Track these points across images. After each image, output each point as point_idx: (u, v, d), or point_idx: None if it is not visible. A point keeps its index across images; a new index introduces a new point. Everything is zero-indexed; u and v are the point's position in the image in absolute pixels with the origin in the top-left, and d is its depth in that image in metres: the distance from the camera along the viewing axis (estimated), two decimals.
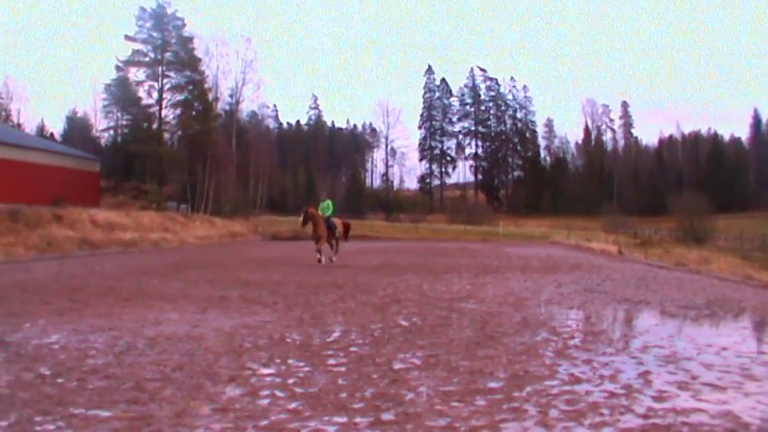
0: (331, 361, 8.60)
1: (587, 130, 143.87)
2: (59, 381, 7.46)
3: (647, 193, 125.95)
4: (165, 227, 50.00)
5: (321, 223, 26.94)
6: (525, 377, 7.83)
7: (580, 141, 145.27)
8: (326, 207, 27.95)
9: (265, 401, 6.75)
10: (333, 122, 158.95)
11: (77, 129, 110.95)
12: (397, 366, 8.33)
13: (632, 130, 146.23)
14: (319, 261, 26.68)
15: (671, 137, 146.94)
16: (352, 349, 9.38)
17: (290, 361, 8.56)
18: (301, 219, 27.16)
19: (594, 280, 21.66)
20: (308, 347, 9.48)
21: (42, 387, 7.19)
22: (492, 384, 7.48)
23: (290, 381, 7.54)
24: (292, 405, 6.62)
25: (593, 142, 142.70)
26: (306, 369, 8.11)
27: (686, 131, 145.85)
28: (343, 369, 8.14)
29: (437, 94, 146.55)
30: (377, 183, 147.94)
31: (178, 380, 7.51)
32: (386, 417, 6.28)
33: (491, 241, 67.80)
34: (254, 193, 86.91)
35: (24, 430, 5.84)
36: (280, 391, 7.13)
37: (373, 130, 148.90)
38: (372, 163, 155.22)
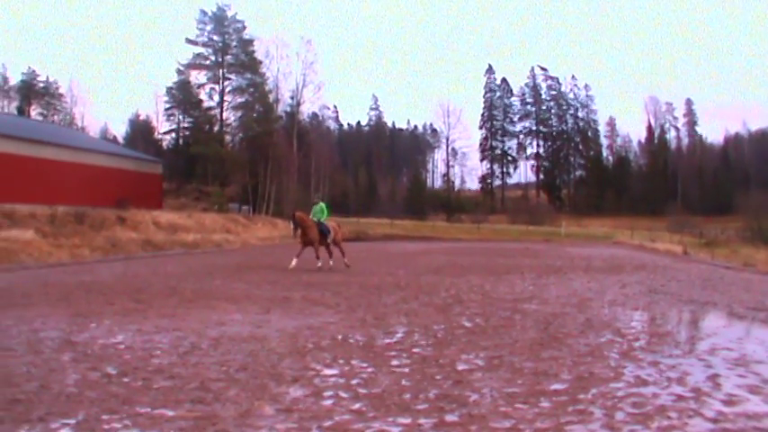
0: (394, 362, 8.58)
1: (650, 129, 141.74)
2: (125, 380, 7.54)
3: (713, 193, 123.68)
4: (227, 228, 50.43)
5: (312, 228, 25.21)
6: (590, 379, 7.73)
7: (643, 140, 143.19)
8: (320, 210, 26.02)
9: (329, 402, 6.74)
10: (393, 123, 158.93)
11: (140, 131, 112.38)
12: (460, 367, 8.28)
13: (697, 128, 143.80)
14: (318, 268, 24.57)
15: (737, 134, 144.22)
16: (416, 350, 9.35)
17: (353, 362, 8.55)
18: (291, 225, 25.65)
19: (659, 281, 21.35)
20: (371, 348, 9.48)
21: (109, 386, 7.27)
22: (556, 386, 7.40)
23: (354, 381, 7.54)
24: (356, 406, 6.61)
25: (656, 141, 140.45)
26: (369, 370, 8.10)
27: (753, 129, 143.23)
28: (406, 370, 8.11)
29: (498, 94, 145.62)
30: (438, 183, 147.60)
31: (242, 380, 7.55)
32: (450, 418, 6.24)
33: (553, 242, 67.27)
34: (315, 194, 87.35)
35: (92, 428, 5.91)
36: (343, 391, 7.12)
37: (434, 130, 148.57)
38: (433, 163, 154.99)
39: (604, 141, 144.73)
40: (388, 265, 27.09)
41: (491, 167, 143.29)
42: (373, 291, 17.22)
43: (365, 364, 8.40)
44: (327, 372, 8.02)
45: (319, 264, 24.78)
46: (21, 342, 9.72)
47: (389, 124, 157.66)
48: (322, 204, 26.36)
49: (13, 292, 16.28)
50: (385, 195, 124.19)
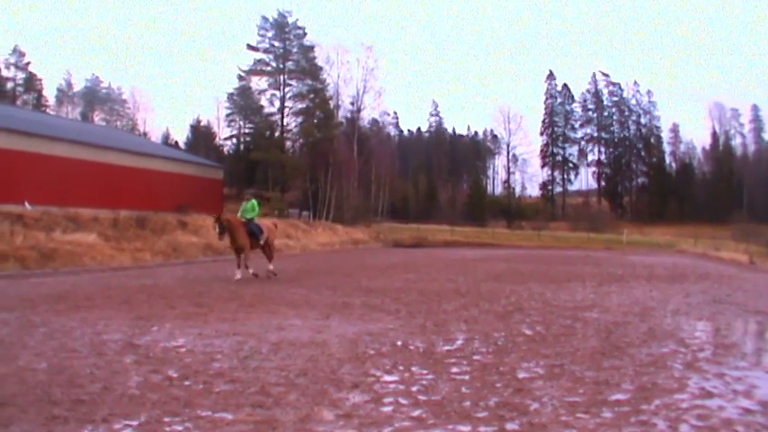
0: (454, 369, 8.54)
1: (715, 135, 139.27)
2: (186, 383, 7.63)
3: None
4: (287, 233, 50.63)
5: (240, 230, 22.31)
6: (653, 389, 7.60)
7: (707, 147, 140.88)
8: (250, 208, 23.15)
9: (389, 408, 6.74)
10: (453, 129, 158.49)
11: (201, 137, 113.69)
12: (521, 375, 8.22)
13: (763, 135, 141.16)
14: (253, 274, 22.20)
15: None
16: (476, 357, 9.31)
17: (413, 368, 8.54)
18: (217, 230, 22.11)
19: (724, 290, 20.96)
20: (431, 355, 9.44)
21: (170, 389, 7.35)
22: (618, 396, 7.30)
23: (414, 388, 7.52)
24: (416, 413, 6.60)
25: (720, 147, 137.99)
26: (429, 377, 8.07)
27: None
28: (466, 377, 8.08)
29: (559, 100, 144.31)
30: (498, 190, 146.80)
31: (302, 385, 7.57)
32: (510, 426, 6.20)
33: (614, 249, 66.47)
34: (376, 200, 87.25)
35: (153, 430, 5.99)
36: (403, 398, 7.11)
37: (494, 136, 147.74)
38: (494, 170, 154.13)
39: (667, 148, 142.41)
40: (448, 272, 27.00)
41: (552, 174, 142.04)
42: (433, 297, 17.16)
43: (425, 371, 8.38)
44: (387, 378, 8.02)
45: (251, 271, 22.26)
46: (84, 344, 9.88)
47: (449, 130, 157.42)
48: (253, 201, 23.51)
49: (77, 295, 16.53)
50: (445, 202, 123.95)
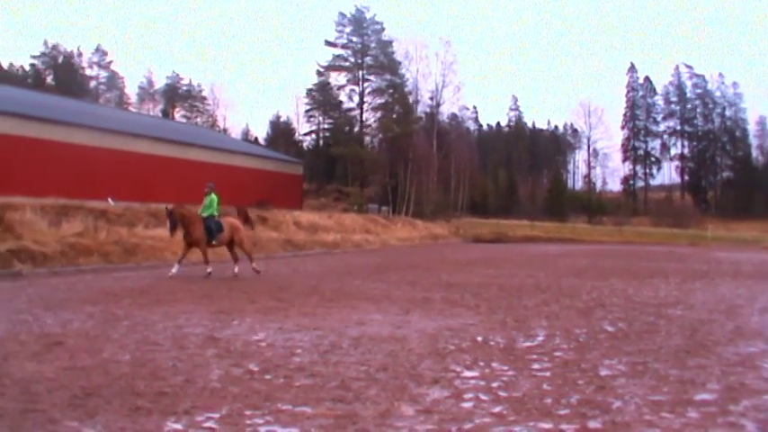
0: (535, 365, 8.46)
1: None
2: (267, 377, 7.68)
3: None
4: (366, 228, 50.80)
5: (197, 224, 20.83)
6: (741, 390, 7.41)
7: None
8: (208, 205, 21.53)
9: (469, 404, 6.70)
10: (533, 123, 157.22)
11: (281, 133, 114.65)
12: (603, 373, 8.09)
13: None
14: (209, 274, 20.58)
15: None
16: (557, 354, 9.21)
17: (493, 364, 8.48)
18: (168, 224, 20.82)
19: None
20: (512, 351, 9.38)
21: (251, 382, 7.42)
22: (704, 396, 7.14)
23: (494, 384, 7.47)
24: (497, 409, 6.54)
25: None
26: (510, 373, 8.01)
27: None
28: (547, 374, 7.99)
29: (641, 93, 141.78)
30: (579, 184, 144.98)
31: (382, 380, 7.57)
32: (593, 425, 6.10)
33: (699, 245, 65.22)
34: (455, 195, 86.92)
35: (235, 423, 6.04)
36: (484, 394, 7.06)
37: (575, 130, 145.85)
38: (574, 164, 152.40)
39: (754, 141, 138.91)
40: (529, 268, 26.81)
41: (633, 168, 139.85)
42: (514, 293, 17.06)
43: (506, 367, 8.32)
44: (467, 374, 7.97)
45: (209, 270, 20.74)
46: (166, 337, 10.04)
47: (529, 124, 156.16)
48: (213, 196, 21.67)
49: (159, 289, 16.83)
50: (525, 196, 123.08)
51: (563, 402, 6.77)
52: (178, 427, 5.92)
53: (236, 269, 21.36)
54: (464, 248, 46.90)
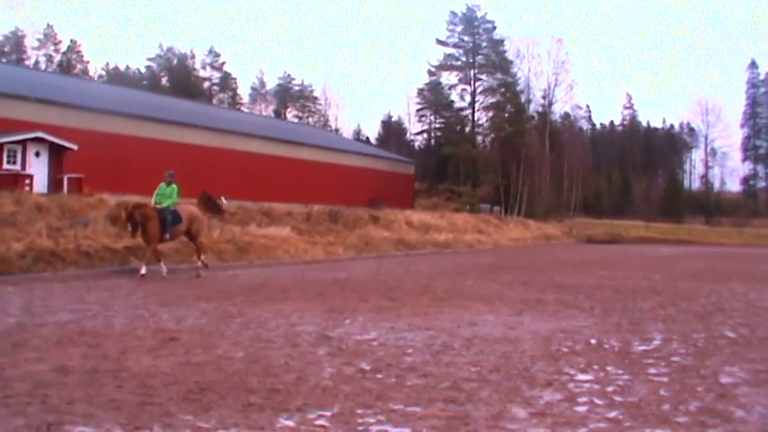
0: (651, 370, 8.26)
1: None
2: (379, 376, 7.71)
3: None
4: (478, 228, 50.55)
5: (153, 220, 19.23)
6: None
7: None
8: (169, 194, 19.94)
9: (583, 408, 6.58)
10: (648, 122, 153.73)
11: (392, 132, 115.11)
12: (723, 380, 7.83)
13: None
14: (143, 276, 18.66)
15: None
16: (674, 359, 8.96)
17: (608, 368, 8.31)
18: (129, 227, 19.25)
19: None
20: (627, 355, 9.18)
21: (363, 381, 7.45)
22: None
23: (609, 388, 7.32)
24: (612, 414, 6.41)
25: None
26: (625, 377, 7.84)
27: None
28: (664, 379, 7.78)
29: (762, 90, 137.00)
30: (696, 185, 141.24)
31: (495, 381, 7.51)
32: None
33: None
34: (568, 195, 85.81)
35: (347, 421, 6.07)
36: (598, 398, 6.93)
37: (691, 129, 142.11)
38: (691, 164, 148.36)
39: None
40: (644, 269, 26.24)
41: (754, 168, 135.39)
42: (628, 295, 16.72)
43: (621, 371, 8.15)
44: (581, 377, 7.84)
45: (164, 269, 19.47)
46: (279, 335, 10.17)
47: (644, 123, 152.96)
48: (174, 186, 20.09)
49: (272, 287, 17.07)
50: (639, 197, 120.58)
51: (681, 409, 6.58)
52: (290, 423, 5.98)
53: (203, 257, 20.51)
54: (577, 249, 46.26)
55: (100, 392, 6.78)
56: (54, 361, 8.13)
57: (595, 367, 8.34)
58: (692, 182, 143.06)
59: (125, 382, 7.17)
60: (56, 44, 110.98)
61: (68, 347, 8.98)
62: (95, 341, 9.41)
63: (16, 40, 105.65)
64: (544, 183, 78.95)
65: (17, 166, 31.11)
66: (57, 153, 32.38)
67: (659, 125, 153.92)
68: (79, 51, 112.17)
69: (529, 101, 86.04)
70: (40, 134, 31.79)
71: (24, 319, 11.27)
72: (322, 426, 5.93)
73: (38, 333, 9.94)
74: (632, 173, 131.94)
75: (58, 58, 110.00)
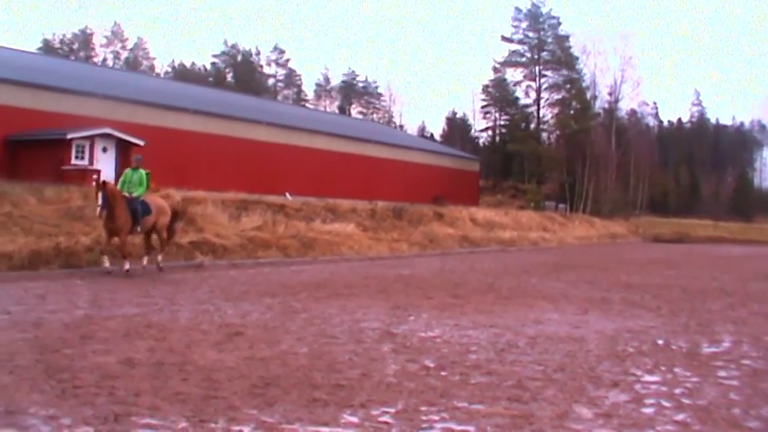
0: (721, 373, 8.10)
1: None
2: (443, 373, 7.68)
3: None
4: (543, 226, 50.20)
5: (121, 207, 17.02)
6: None
7: None
8: (138, 181, 17.90)
9: (650, 410, 6.49)
10: (717, 119, 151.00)
11: (457, 129, 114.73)
12: None
13: None
14: (109, 272, 16.97)
15: None
16: (745, 362, 8.79)
17: (676, 369, 8.18)
18: (99, 202, 16.71)
19: None
20: (695, 356, 9.03)
21: (427, 378, 7.42)
22: None
23: (677, 390, 7.20)
24: (679, 416, 6.31)
25: None
26: (693, 379, 7.71)
27: None
28: (735, 383, 7.64)
29: None
30: (767, 183, 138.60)
31: (560, 381, 7.44)
32: None
33: None
34: (634, 193, 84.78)
35: (410, 418, 6.05)
36: (666, 400, 6.83)
37: (762, 126, 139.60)
38: (761, 162, 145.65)
39: None
40: (712, 269, 25.82)
41: None
42: (697, 295, 16.45)
43: (689, 373, 8.01)
44: (648, 378, 7.73)
45: (126, 266, 17.19)
46: (343, 331, 10.19)
47: (712, 120, 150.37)
48: (141, 172, 18.06)
49: (336, 283, 17.12)
50: (708, 195, 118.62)
51: (752, 414, 6.45)
52: (354, 419, 5.98)
53: (144, 261, 18.27)
54: (643, 248, 45.66)
55: (166, 385, 6.86)
56: (121, 353, 8.24)
57: (663, 368, 8.22)
58: (763, 180, 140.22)
59: (190, 376, 7.24)
60: (123, 42, 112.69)
61: (135, 340, 9.10)
62: (161, 334, 9.52)
63: (85, 38, 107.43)
64: (610, 180, 78.01)
65: (85, 162, 31.62)
66: (123, 148, 32.83)
67: (729, 122, 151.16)
68: (145, 48, 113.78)
69: (594, 97, 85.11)
70: (108, 130, 32.26)
71: (92, 311, 11.45)
72: (385, 422, 5.93)
73: (105, 326, 10.09)
74: (700, 171, 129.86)
75: (124, 55, 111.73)
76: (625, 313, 12.93)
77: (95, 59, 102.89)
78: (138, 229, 17.76)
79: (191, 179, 32.96)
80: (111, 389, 6.66)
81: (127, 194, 17.46)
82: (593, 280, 19.89)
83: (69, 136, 30.72)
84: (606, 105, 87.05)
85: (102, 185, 16.88)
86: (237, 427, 5.67)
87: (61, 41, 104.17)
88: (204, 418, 5.87)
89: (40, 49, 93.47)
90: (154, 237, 18.76)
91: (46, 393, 6.50)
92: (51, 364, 7.64)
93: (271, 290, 15.25)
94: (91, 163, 31.73)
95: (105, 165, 31.95)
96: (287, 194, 37.94)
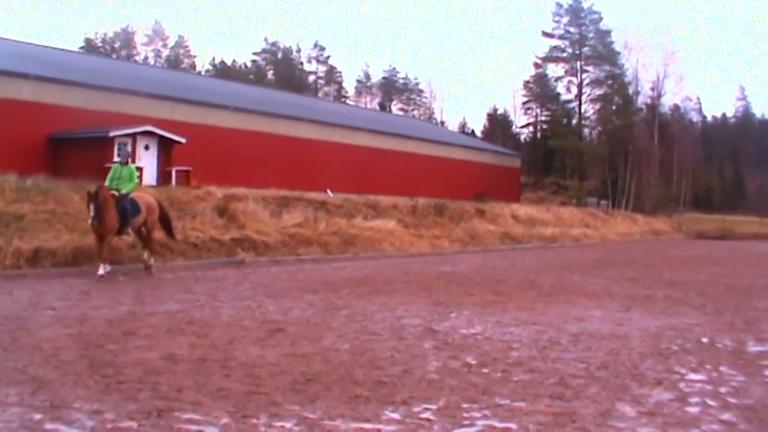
0: None
1: None
2: (484, 370, 7.66)
3: None
4: (585, 223, 49.90)
5: (110, 210, 15.89)
6: None
7: None
8: (128, 176, 16.74)
9: (695, 409, 6.42)
10: (762, 114, 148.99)
11: (498, 125, 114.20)
12: None
13: None
14: (101, 276, 15.64)
15: None
16: None
17: (721, 368, 8.07)
18: (91, 213, 15.57)
19: None
20: (742, 355, 8.91)
21: (469, 375, 7.41)
22: None
23: (723, 389, 7.11)
24: (725, 416, 6.23)
25: None
26: (739, 378, 7.60)
27: None
28: None
29: None
30: None
31: (603, 378, 7.39)
32: None
33: None
34: (678, 189, 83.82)
35: (452, 415, 6.04)
36: (711, 399, 6.75)
37: None
38: None
39: None
40: (758, 267, 25.50)
41: None
42: (742, 293, 16.25)
43: (734, 372, 7.91)
44: (693, 376, 7.64)
45: (107, 268, 15.97)
46: (385, 327, 10.20)
47: (758, 115, 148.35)
48: (131, 168, 17.06)
49: (377, 280, 17.15)
50: (753, 191, 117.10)
51: None
52: (396, 416, 5.99)
53: (146, 255, 17.35)
54: (687, 245, 45.17)
55: (208, 381, 6.91)
56: (163, 349, 8.32)
57: (708, 367, 8.11)
58: None
59: (232, 372, 7.29)
60: (164, 40, 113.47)
61: (177, 336, 9.18)
62: (203, 331, 9.60)
63: (126, 37, 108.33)
64: (653, 176, 77.30)
65: None
66: (165, 146, 33.05)
67: None
68: (186, 46, 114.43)
69: (637, 93, 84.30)
70: (150, 128, 32.47)
71: (135, 308, 11.57)
72: (427, 419, 5.92)
73: (148, 322, 10.19)
74: (745, 166, 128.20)
75: (165, 53, 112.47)
76: (669, 311, 12.79)
77: (137, 58, 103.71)
78: (129, 230, 16.77)
79: (232, 176, 33.12)
80: (154, 384, 6.74)
81: (116, 192, 16.28)
82: (636, 277, 19.71)
83: (111, 134, 30.97)
84: (649, 101, 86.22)
85: (95, 196, 15.58)
86: (279, 423, 5.69)
87: (103, 40, 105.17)
88: (246, 413, 5.91)
89: (82, 48, 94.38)
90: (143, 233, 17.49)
91: (90, 388, 6.59)
92: (95, 359, 7.74)
93: (312, 286, 15.30)
94: (133, 160, 32.01)
95: (147, 162, 32.18)
96: (328, 191, 38.01)
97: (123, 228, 16.33)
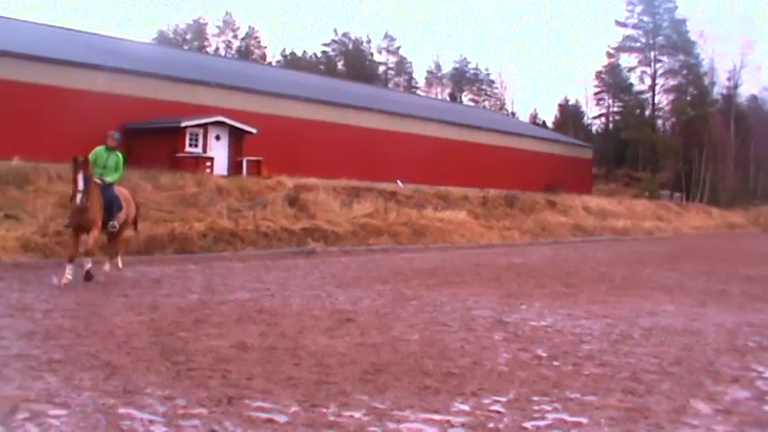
0: None
1: None
2: (555, 363, 7.57)
3: None
4: (658, 215, 49.25)
5: (95, 198, 13.05)
6: None
7: None
8: (113, 165, 13.86)
9: None
10: None
11: (569, 116, 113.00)
12: None
13: None
14: (88, 276, 13.02)
15: None
16: None
17: None
18: (79, 186, 12.47)
19: None
20: None
21: (539, 368, 7.33)
22: None
23: None
24: None
25: None
26: None
27: None
28: None
29: None
30: None
31: (676, 374, 7.23)
32: None
33: None
34: (755, 182, 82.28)
35: (522, 408, 5.97)
36: None
37: None
38: None
39: None
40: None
41: None
42: None
43: None
44: None
45: (89, 265, 13.11)
46: (455, 318, 10.15)
47: None
48: (119, 154, 14.12)
49: (447, 271, 17.11)
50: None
51: None
52: (465, 408, 5.93)
53: (120, 264, 14.70)
54: (764, 239, 44.23)
55: (278, 370, 6.94)
56: (234, 337, 8.38)
57: None
58: None
59: (302, 361, 7.31)
60: (234, 31, 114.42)
61: (247, 325, 9.24)
62: (273, 320, 9.65)
63: (198, 28, 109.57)
64: (728, 169, 76.00)
65: (198, 149, 32.26)
66: (236, 136, 33.41)
67: None
68: (257, 38, 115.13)
69: (712, 83, 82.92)
70: (221, 118, 32.86)
71: (206, 296, 11.69)
72: (497, 411, 5.86)
73: (218, 310, 10.28)
74: None
75: (236, 44, 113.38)
76: (745, 306, 12.49)
77: (208, 49, 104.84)
78: (116, 224, 13.79)
79: (302, 166, 33.35)
80: (225, 372, 6.78)
81: (98, 180, 13.42)
82: (711, 271, 19.32)
83: (183, 124, 31.43)
84: (725, 91, 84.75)
85: (83, 164, 12.62)
86: (348, 413, 5.68)
87: (175, 32, 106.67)
88: (316, 402, 5.91)
89: (155, 39, 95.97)
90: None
91: (161, 374, 6.67)
92: (166, 346, 7.84)
93: (382, 276, 15.33)
94: (204, 150, 32.37)
95: (218, 152, 32.60)
96: (398, 182, 38.05)
97: (108, 223, 13.57)
